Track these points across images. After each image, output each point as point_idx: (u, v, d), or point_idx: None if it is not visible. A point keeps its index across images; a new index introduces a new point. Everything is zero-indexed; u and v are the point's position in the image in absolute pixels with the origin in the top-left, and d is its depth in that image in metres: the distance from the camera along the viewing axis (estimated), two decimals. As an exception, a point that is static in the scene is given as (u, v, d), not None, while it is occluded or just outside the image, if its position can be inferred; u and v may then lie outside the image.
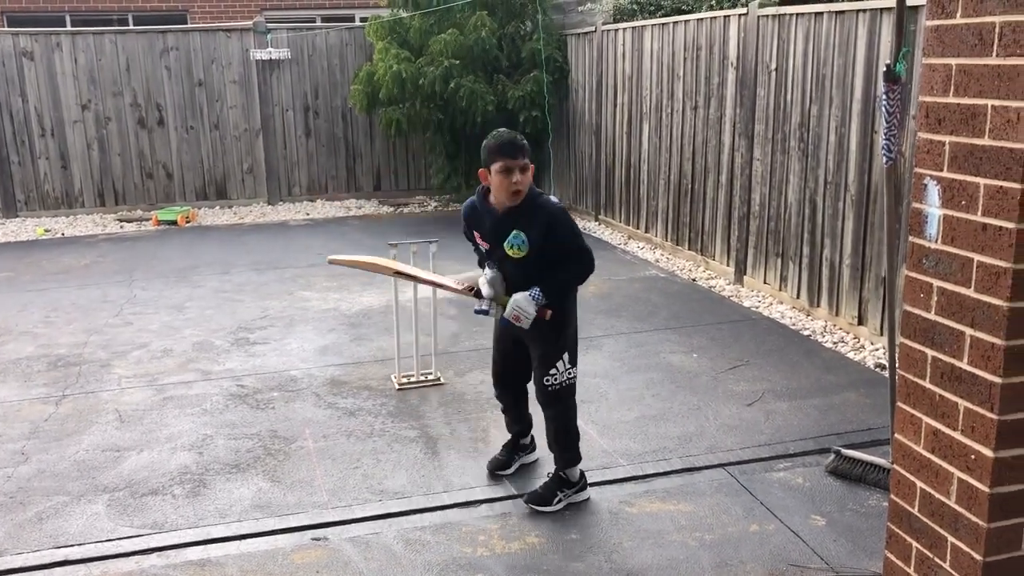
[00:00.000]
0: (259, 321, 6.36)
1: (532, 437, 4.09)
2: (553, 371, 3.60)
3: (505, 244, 3.50)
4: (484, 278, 3.63)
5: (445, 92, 9.41)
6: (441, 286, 3.94)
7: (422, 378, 5.10)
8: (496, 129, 3.61)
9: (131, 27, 11.76)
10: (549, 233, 3.45)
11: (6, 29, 10.89)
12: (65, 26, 12.34)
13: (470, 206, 3.71)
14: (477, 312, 3.68)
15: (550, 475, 3.78)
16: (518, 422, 4.01)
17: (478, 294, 3.65)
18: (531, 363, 3.74)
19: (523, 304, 3.45)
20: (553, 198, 3.59)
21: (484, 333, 5.93)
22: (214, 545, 3.50)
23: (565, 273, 3.54)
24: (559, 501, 3.69)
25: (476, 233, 3.68)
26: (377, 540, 3.51)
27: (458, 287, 3.80)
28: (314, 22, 12.99)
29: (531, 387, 3.82)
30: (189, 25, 12.45)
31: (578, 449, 3.76)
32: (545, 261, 3.50)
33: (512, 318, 3.48)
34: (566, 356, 3.62)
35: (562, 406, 3.68)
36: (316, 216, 10.59)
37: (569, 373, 3.64)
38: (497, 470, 3.99)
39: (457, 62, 9.35)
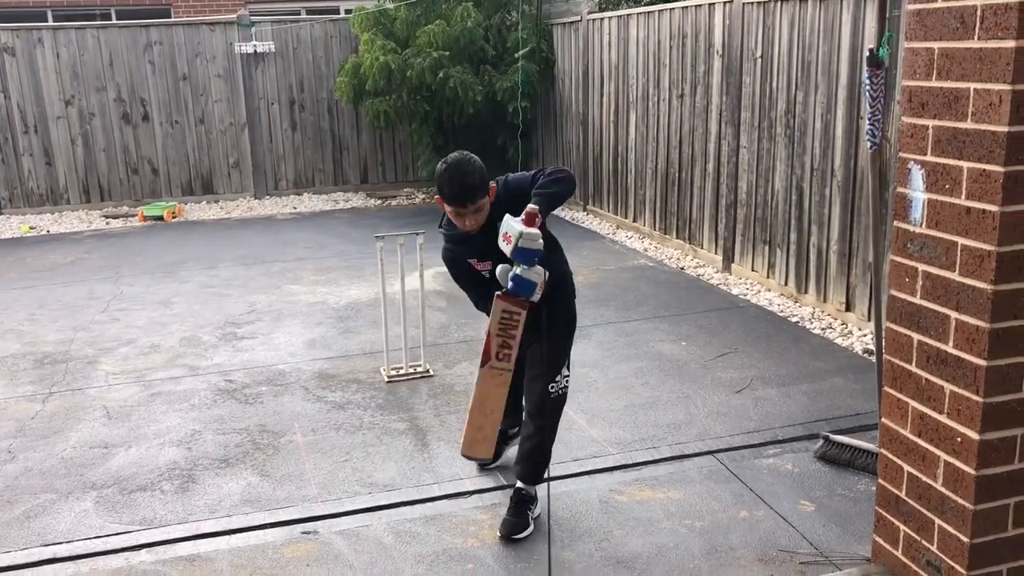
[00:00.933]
0: (247, 316, 6.34)
1: (517, 429, 3.99)
2: (559, 376, 3.44)
3: (499, 239, 3.14)
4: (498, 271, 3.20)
5: (434, 83, 9.37)
6: (500, 329, 3.22)
7: (411, 370, 5.09)
8: (449, 159, 3.28)
9: (114, 21, 11.66)
10: (517, 195, 3.19)
11: (-13, 25, 10.79)
12: (47, 21, 12.23)
13: (449, 246, 3.39)
14: (508, 292, 3.08)
15: (513, 501, 3.52)
16: (513, 414, 3.86)
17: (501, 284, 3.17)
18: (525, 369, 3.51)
19: (510, 224, 3.03)
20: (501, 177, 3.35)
21: (473, 325, 5.93)
22: (204, 540, 3.48)
23: (544, 184, 3.18)
24: (531, 518, 3.51)
25: (471, 261, 3.37)
26: (367, 532, 3.50)
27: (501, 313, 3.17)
28: (299, 15, 12.92)
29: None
30: (172, 19, 12.36)
31: (546, 469, 3.52)
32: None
33: (502, 237, 3.03)
34: (567, 363, 3.51)
35: (556, 416, 3.52)
36: (303, 210, 10.56)
37: (568, 379, 3.51)
38: (485, 463, 3.98)
39: (447, 53, 9.32)
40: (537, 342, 3.35)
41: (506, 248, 3.00)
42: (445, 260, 3.44)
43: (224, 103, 10.80)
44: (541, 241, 2.97)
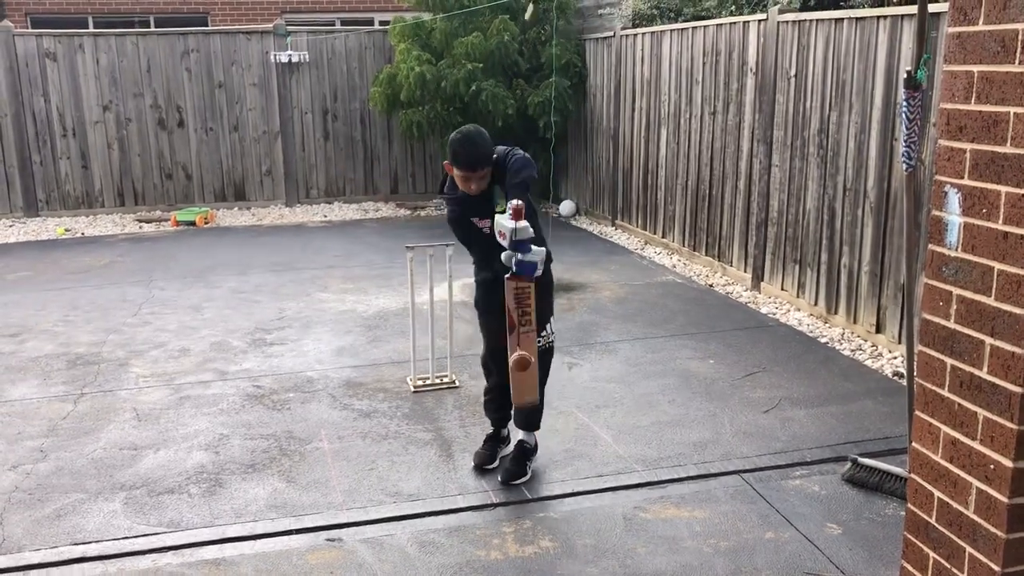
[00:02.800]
0: (276, 322, 6.39)
1: (508, 431, 4.24)
2: (543, 332, 3.85)
3: (497, 208, 3.69)
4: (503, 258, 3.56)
5: (467, 95, 9.42)
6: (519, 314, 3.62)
7: (437, 381, 5.11)
8: (466, 126, 3.76)
9: (152, 29, 11.85)
10: (511, 174, 3.63)
11: (30, 30, 11.01)
12: (87, 27, 12.45)
13: (453, 206, 3.86)
14: (513, 273, 3.49)
15: (513, 448, 4.07)
16: (501, 408, 4.16)
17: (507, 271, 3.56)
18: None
19: (501, 222, 3.49)
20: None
21: (500, 337, 5.94)
22: (229, 544, 3.51)
23: (513, 173, 3.62)
24: (528, 468, 3.99)
25: (473, 219, 3.82)
26: (391, 541, 3.51)
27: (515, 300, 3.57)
28: (333, 25, 13.05)
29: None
30: (210, 27, 12.54)
31: (541, 416, 4.06)
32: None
33: (497, 232, 3.53)
34: (552, 319, 3.94)
35: (544, 365, 3.93)
36: (333, 218, 10.64)
37: (552, 336, 3.97)
38: (483, 464, 4.09)
39: (480, 66, 9.37)
40: None
41: (504, 243, 3.46)
42: (450, 221, 3.93)
43: (258, 111, 10.92)
44: (531, 230, 3.42)
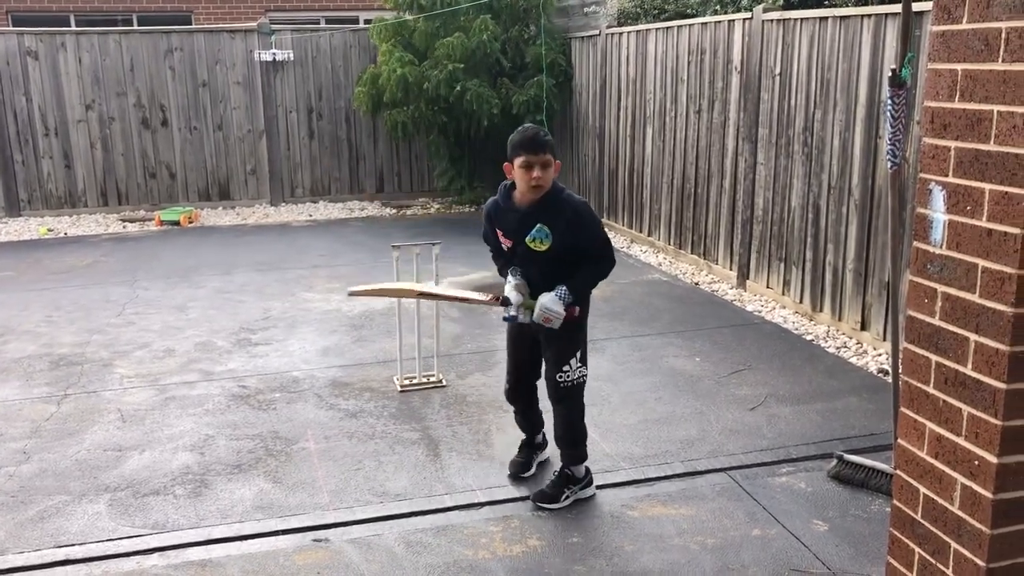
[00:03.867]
0: (261, 322, 6.36)
1: (543, 435, 4.12)
2: (567, 368, 3.65)
3: (527, 238, 3.53)
4: (509, 285, 3.62)
5: (450, 95, 9.41)
6: (468, 300, 3.87)
7: (424, 380, 5.10)
8: (523, 125, 3.64)
9: (135, 27, 11.78)
10: (574, 227, 3.50)
11: (11, 28, 10.91)
12: (70, 26, 12.35)
13: (493, 204, 3.71)
14: (506, 319, 3.64)
15: (556, 473, 3.81)
16: (531, 423, 4.04)
17: (505, 302, 3.60)
18: (541, 365, 3.80)
19: (550, 305, 3.48)
20: (576, 195, 3.63)
21: (486, 335, 5.93)
22: (215, 545, 3.49)
23: (590, 269, 3.58)
24: (566, 498, 3.72)
25: (498, 231, 3.67)
26: (378, 541, 3.50)
27: (484, 298, 3.73)
28: (318, 24, 13.00)
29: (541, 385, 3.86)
30: (193, 26, 12.47)
31: (585, 447, 3.81)
32: (568, 255, 3.53)
33: (543, 320, 3.49)
34: (579, 354, 3.67)
35: (572, 403, 3.73)
36: (319, 217, 10.60)
37: (581, 371, 3.69)
38: (519, 473, 3.99)
39: (462, 66, 9.35)
40: (546, 338, 3.69)
41: (531, 317, 3.55)
42: (485, 211, 3.77)
43: (242, 110, 10.87)
44: (559, 323, 3.51)
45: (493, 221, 3.70)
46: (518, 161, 3.47)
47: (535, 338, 3.73)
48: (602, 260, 3.59)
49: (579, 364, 3.68)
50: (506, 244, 3.66)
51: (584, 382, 3.74)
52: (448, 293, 3.95)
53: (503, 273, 3.75)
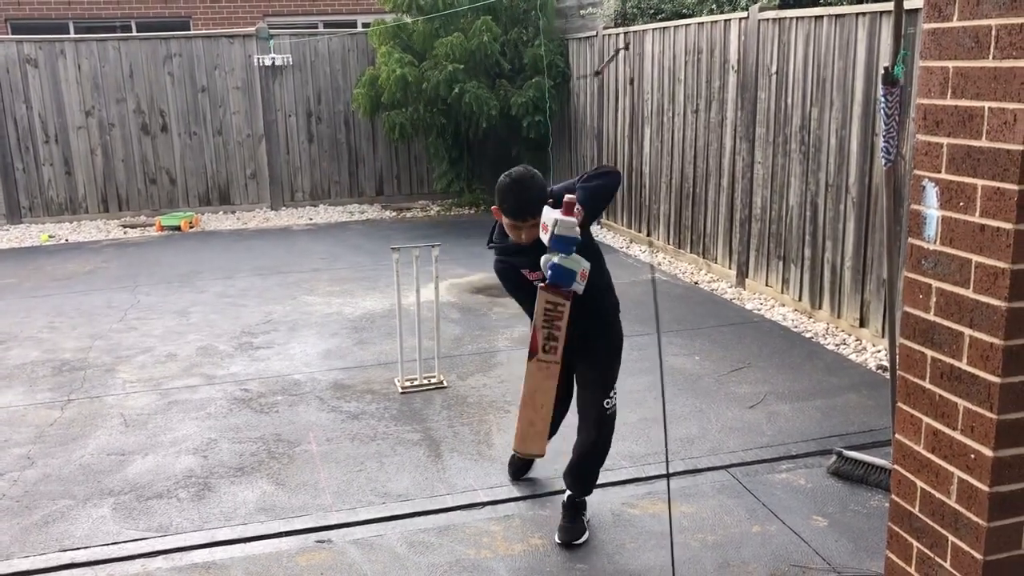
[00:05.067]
0: (263, 326, 6.38)
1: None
2: (613, 393, 3.50)
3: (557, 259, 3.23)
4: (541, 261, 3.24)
5: (449, 96, 9.43)
6: (551, 319, 3.23)
7: (425, 381, 5.12)
8: (516, 167, 3.32)
9: (134, 34, 11.81)
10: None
11: (10, 36, 10.94)
12: (69, 33, 12.39)
13: (502, 257, 3.44)
14: (550, 273, 3.12)
15: (565, 505, 3.58)
16: (551, 429, 3.81)
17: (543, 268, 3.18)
18: (572, 393, 3.63)
19: (547, 214, 3.10)
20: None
21: (487, 337, 5.96)
22: (219, 548, 3.52)
23: (591, 177, 3.30)
24: (587, 523, 3.59)
25: (525, 271, 3.39)
26: (381, 542, 3.52)
27: (548, 296, 3.20)
28: (316, 28, 13.03)
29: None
30: (192, 31, 12.49)
31: (596, 478, 3.64)
32: (590, 243, 3.31)
33: (542, 228, 3.11)
34: (615, 383, 3.54)
35: (609, 430, 3.56)
36: (319, 221, 10.62)
37: (616, 398, 3.55)
38: (521, 475, 4.01)
39: (461, 66, 9.38)
40: (585, 362, 3.47)
41: (544, 237, 3.06)
42: (498, 272, 3.51)
43: (242, 115, 10.90)
44: (577, 229, 3.00)
45: (512, 270, 3.43)
46: (505, 221, 3.27)
47: (569, 364, 3.51)
48: (596, 172, 3.32)
49: (615, 391, 3.53)
50: (536, 278, 3.32)
51: (616, 414, 3.57)
52: (540, 324, 3.26)
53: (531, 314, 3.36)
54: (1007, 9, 2.07)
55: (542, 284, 3.12)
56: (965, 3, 2.19)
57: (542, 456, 3.47)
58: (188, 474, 4.13)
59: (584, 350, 3.46)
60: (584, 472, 3.58)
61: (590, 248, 3.31)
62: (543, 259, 3.11)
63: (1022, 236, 2.13)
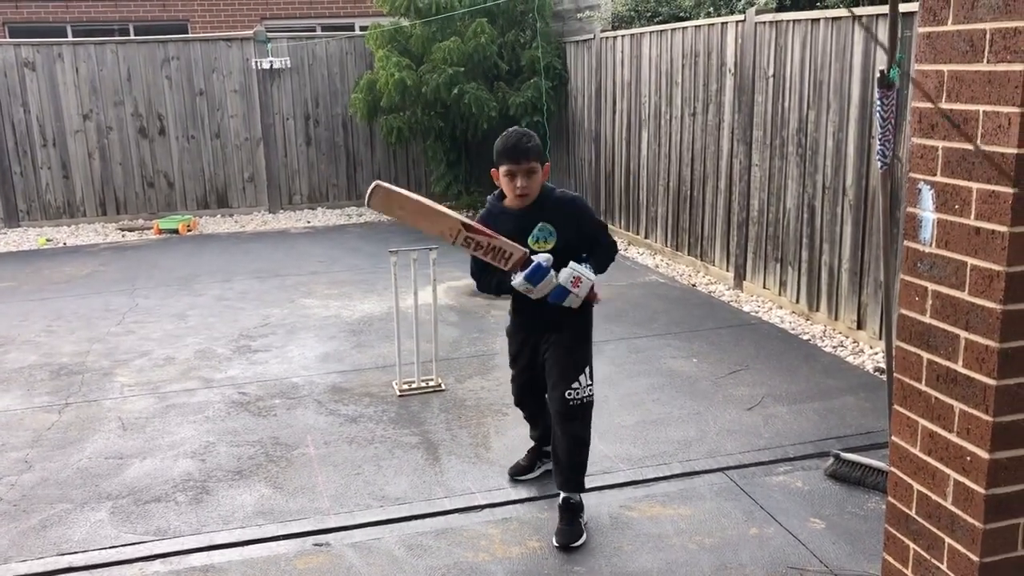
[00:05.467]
0: (261, 329, 6.39)
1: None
2: (576, 384, 3.49)
3: (530, 239, 3.40)
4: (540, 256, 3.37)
5: (448, 99, 9.45)
6: (505, 250, 3.36)
7: (423, 384, 5.12)
8: (510, 128, 3.52)
9: (132, 37, 11.81)
10: (576, 222, 3.45)
11: (7, 40, 10.95)
12: (66, 36, 12.39)
13: (485, 214, 3.54)
14: (534, 275, 3.30)
15: (561, 508, 3.56)
16: (540, 428, 3.96)
17: (532, 256, 3.36)
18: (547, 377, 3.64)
19: (580, 268, 3.33)
20: (568, 191, 3.58)
21: (484, 339, 5.96)
22: (217, 551, 3.52)
23: (600, 251, 3.51)
24: (584, 526, 3.56)
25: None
26: (379, 546, 3.52)
27: (519, 250, 3.36)
28: (314, 31, 13.05)
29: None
30: (190, 35, 12.51)
31: (585, 472, 3.61)
32: (571, 252, 3.40)
33: (572, 282, 3.31)
34: (587, 369, 3.54)
35: (580, 423, 3.53)
36: (317, 224, 10.63)
37: (590, 388, 3.53)
38: (519, 475, 4.00)
39: (461, 69, 9.39)
40: (552, 353, 3.55)
41: (566, 284, 3.33)
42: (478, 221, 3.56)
43: (240, 118, 10.90)
44: (554, 283, 3.31)
45: (490, 223, 3.49)
46: (502, 169, 3.38)
47: (535, 348, 3.64)
48: (607, 245, 3.54)
49: (588, 381, 3.51)
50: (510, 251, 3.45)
51: (593, 400, 3.56)
52: (486, 235, 3.37)
53: (501, 290, 3.52)
54: (1001, 13, 2.08)
55: (526, 261, 3.31)
56: (960, 7, 2.20)
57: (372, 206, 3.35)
58: (186, 478, 4.13)
59: (550, 341, 3.54)
60: (565, 469, 3.56)
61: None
62: (537, 258, 3.30)
63: (1017, 238, 2.14)
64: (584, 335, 3.59)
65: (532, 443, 4.07)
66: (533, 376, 3.73)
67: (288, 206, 11.25)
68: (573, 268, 3.33)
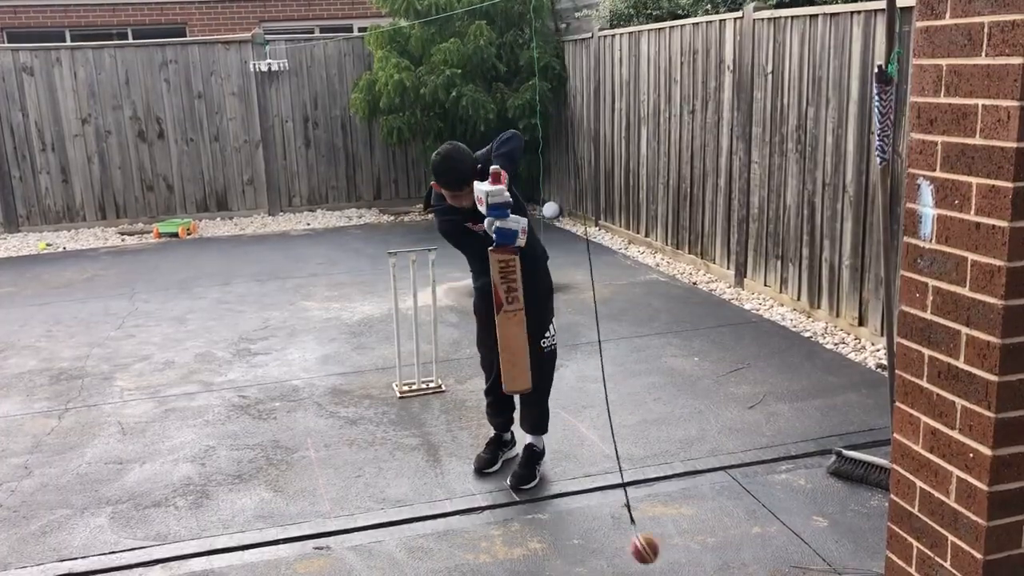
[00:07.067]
0: (260, 332, 6.37)
1: (512, 434, 4.22)
2: (547, 334, 3.87)
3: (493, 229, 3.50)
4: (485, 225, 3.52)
5: (447, 101, 9.43)
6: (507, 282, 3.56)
7: (423, 386, 5.11)
8: (443, 145, 3.69)
9: (130, 41, 11.80)
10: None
11: (6, 45, 10.94)
12: (64, 41, 12.38)
13: (445, 221, 3.78)
14: (496, 244, 3.44)
15: (521, 453, 4.03)
16: (502, 412, 4.14)
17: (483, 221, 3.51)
18: None
19: (478, 185, 3.44)
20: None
21: (485, 340, 5.94)
22: (217, 556, 3.50)
23: (502, 146, 3.66)
24: (538, 472, 3.97)
25: (468, 224, 3.69)
26: (380, 548, 3.51)
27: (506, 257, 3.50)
28: (312, 33, 13.03)
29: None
30: (188, 38, 12.49)
31: (547, 417, 4.05)
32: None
33: (477, 200, 3.45)
34: (553, 320, 3.93)
35: (549, 369, 3.95)
36: (316, 226, 10.62)
37: (555, 336, 3.94)
38: (484, 468, 4.08)
39: (459, 71, 9.37)
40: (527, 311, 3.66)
41: (482, 209, 3.42)
42: (443, 231, 3.83)
43: (238, 121, 10.89)
44: (507, 194, 3.38)
45: (456, 226, 3.74)
46: (446, 192, 3.65)
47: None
48: (508, 138, 3.68)
49: (554, 331, 3.93)
50: (479, 229, 3.59)
51: (556, 352, 3.96)
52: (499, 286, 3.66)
53: (485, 273, 3.62)
54: (999, 6, 2.06)
55: (491, 248, 3.41)
56: (957, 1, 2.18)
57: (530, 389, 3.60)
58: (186, 482, 4.11)
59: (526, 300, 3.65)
60: (532, 413, 3.98)
61: (516, 204, 3.52)
62: (486, 224, 3.42)
63: (1017, 233, 2.12)
64: (546, 292, 3.91)
65: (492, 433, 4.22)
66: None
67: (288, 208, 11.23)
68: (475, 188, 3.47)
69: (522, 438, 4.11)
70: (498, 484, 3.97)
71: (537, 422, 4.02)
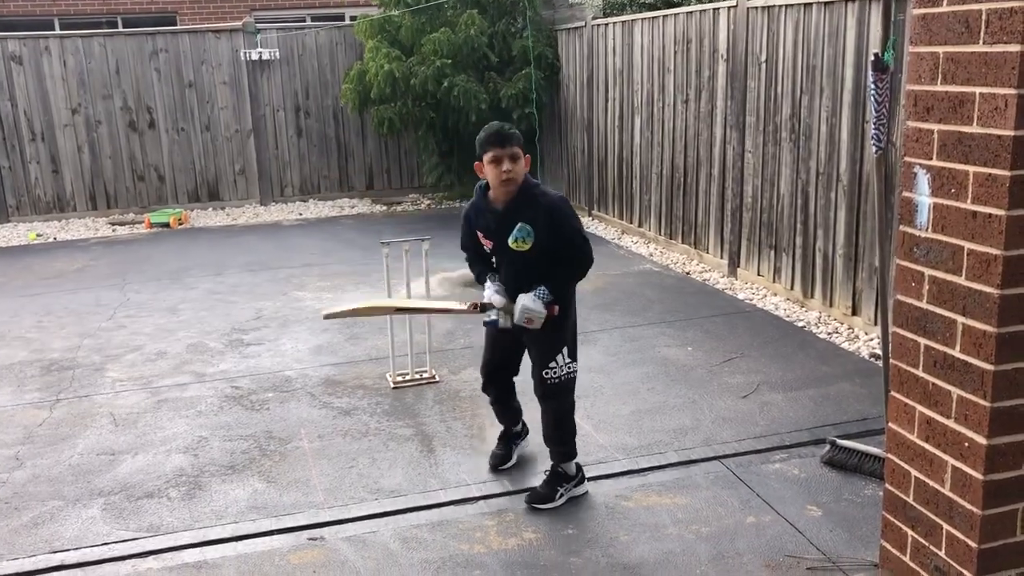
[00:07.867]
0: (253, 322, 6.35)
1: (523, 423, 4.13)
2: (553, 364, 3.61)
3: (510, 239, 3.51)
4: (488, 291, 3.62)
5: (438, 92, 9.39)
6: (446, 311, 3.92)
7: (417, 376, 5.09)
8: (489, 123, 3.62)
9: (120, 29, 11.71)
10: (552, 224, 3.49)
11: (-6, 33, 10.84)
12: (53, 29, 12.29)
13: (471, 207, 3.69)
14: (487, 324, 3.66)
15: (547, 472, 3.76)
16: (508, 412, 4.05)
17: (485, 308, 3.62)
18: (520, 358, 3.84)
19: (530, 304, 3.47)
20: (552, 190, 3.64)
21: (478, 330, 5.89)
22: (211, 547, 3.49)
23: (569, 267, 3.58)
24: (560, 496, 3.68)
25: (479, 232, 3.65)
26: (374, 539, 3.50)
27: (463, 307, 3.75)
28: (304, 21, 12.96)
29: (519, 380, 3.88)
30: (178, 27, 12.41)
31: (575, 443, 3.75)
32: (549, 253, 3.53)
33: (524, 322, 3.49)
34: (565, 350, 3.63)
35: (560, 400, 3.69)
36: (309, 216, 10.58)
37: (569, 367, 3.64)
38: (499, 465, 4.01)
39: (449, 61, 9.33)
40: (529, 336, 3.65)
41: (515, 316, 3.52)
42: (464, 216, 3.75)
43: (230, 110, 10.83)
44: (538, 324, 3.49)
45: (472, 223, 3.68)
46: (487, 157, 3.47)
47: (516, 338, 3.72)
48: (582, 258, 3.58)
49: (567, 360, 3.63)
50: (488, 245, 3.64)
51: (574, 377, 3.69)
52: (424, 306, 4.12)
53: (481, 279, 3.74)
54: (997, -7, 2.05)
55: (483, 312, 3.62)
56: (955, -13, 2.17)
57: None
58: (179, 473, 4.10)
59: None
60: (552, 440, 3.75)
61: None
62: (490, 314, 3.58)
63: (1014, 222, 2.12)
64: (560, 319, 3.61)
65: (502, 428, 4.12)
66: (507, 357, 3.87)
67: (280, 198, 11.19)
68: (523, 308, 3.48)
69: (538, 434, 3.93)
70: (492, 474, 3.97)
71: (555, 450, 3.73)
